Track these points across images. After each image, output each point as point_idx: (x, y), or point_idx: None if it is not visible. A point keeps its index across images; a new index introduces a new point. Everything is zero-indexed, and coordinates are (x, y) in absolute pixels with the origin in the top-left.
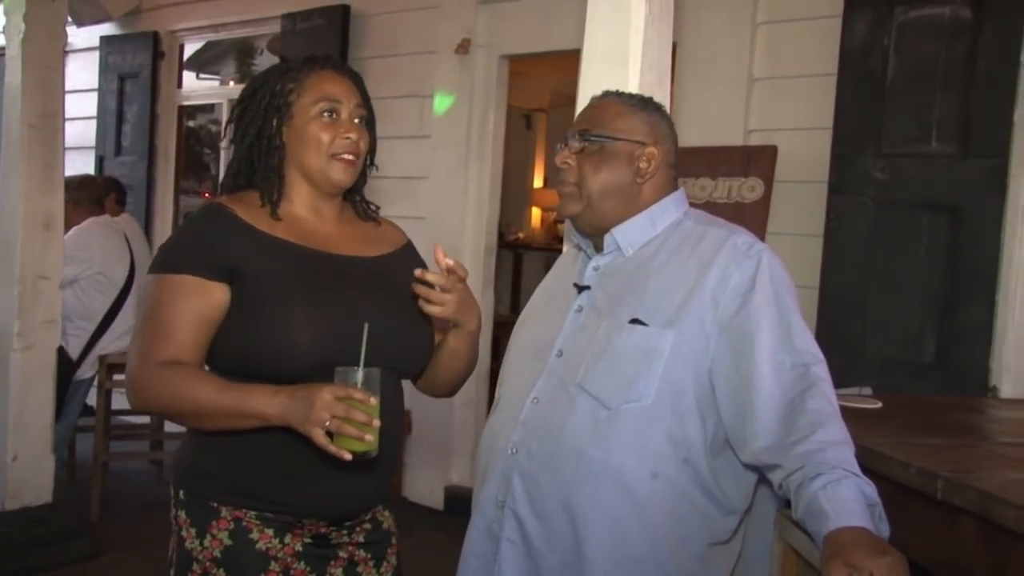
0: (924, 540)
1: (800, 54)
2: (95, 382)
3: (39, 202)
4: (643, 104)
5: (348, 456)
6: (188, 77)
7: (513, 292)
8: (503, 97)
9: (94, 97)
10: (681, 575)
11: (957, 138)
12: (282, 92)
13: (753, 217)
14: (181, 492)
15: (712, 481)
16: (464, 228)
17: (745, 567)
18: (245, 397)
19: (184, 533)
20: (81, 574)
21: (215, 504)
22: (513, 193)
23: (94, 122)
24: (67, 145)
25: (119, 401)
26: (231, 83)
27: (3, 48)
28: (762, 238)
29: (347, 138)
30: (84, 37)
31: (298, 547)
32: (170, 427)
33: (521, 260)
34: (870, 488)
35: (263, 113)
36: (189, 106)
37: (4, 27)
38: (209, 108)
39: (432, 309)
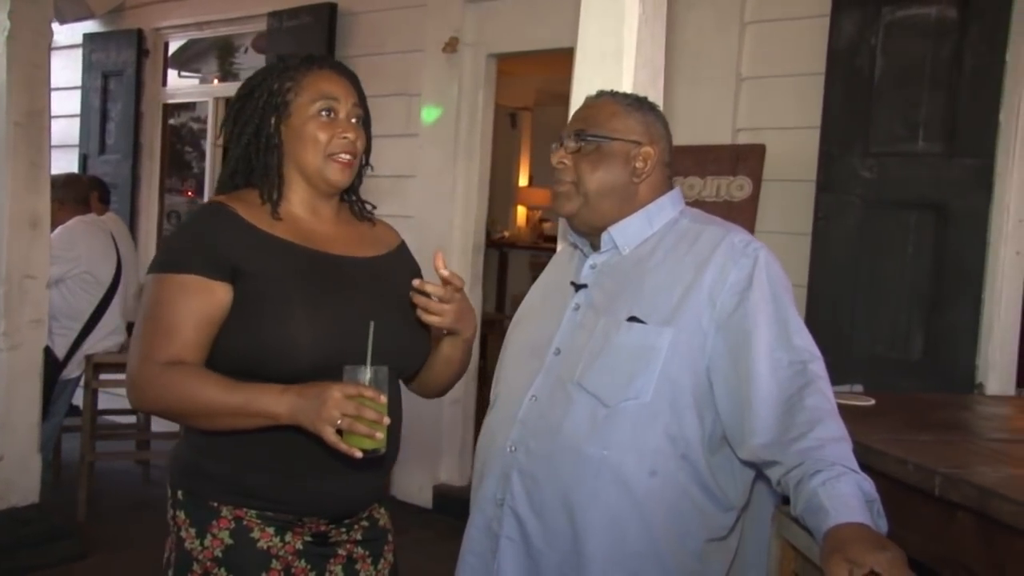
0: (921, 536)
1: (788, 53)
2: (81, 382)
3: (25, 201)
4: (638, 104)
5: (359, 454)
6: (172, 75)
7: (499, 291)
8: (491, 96)
9: (77, 95)
10: (680, 572)
11: (944, 137)
12: (280, 91)
13: (741, 216)
14: (179, 492)
15: (710, 478)
16: (452, 227)
17: (742, 564)
18: (252, 396)
19: (183, 533)
20: (68, 575)
21: (215, 504)
22: (498, 192)
23: (77, 120)
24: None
25: (105, 401)
26: (215, 81)
27: None
28: None
29: (344, 138)
30: (67, 34)
31: (298, 545)
32: (156, 427)
33: (507, 258)
34: (868, 484)
35: (261, 111)
36: (171, 104)
37: None
38: (191, 106)
39: (431, 319)
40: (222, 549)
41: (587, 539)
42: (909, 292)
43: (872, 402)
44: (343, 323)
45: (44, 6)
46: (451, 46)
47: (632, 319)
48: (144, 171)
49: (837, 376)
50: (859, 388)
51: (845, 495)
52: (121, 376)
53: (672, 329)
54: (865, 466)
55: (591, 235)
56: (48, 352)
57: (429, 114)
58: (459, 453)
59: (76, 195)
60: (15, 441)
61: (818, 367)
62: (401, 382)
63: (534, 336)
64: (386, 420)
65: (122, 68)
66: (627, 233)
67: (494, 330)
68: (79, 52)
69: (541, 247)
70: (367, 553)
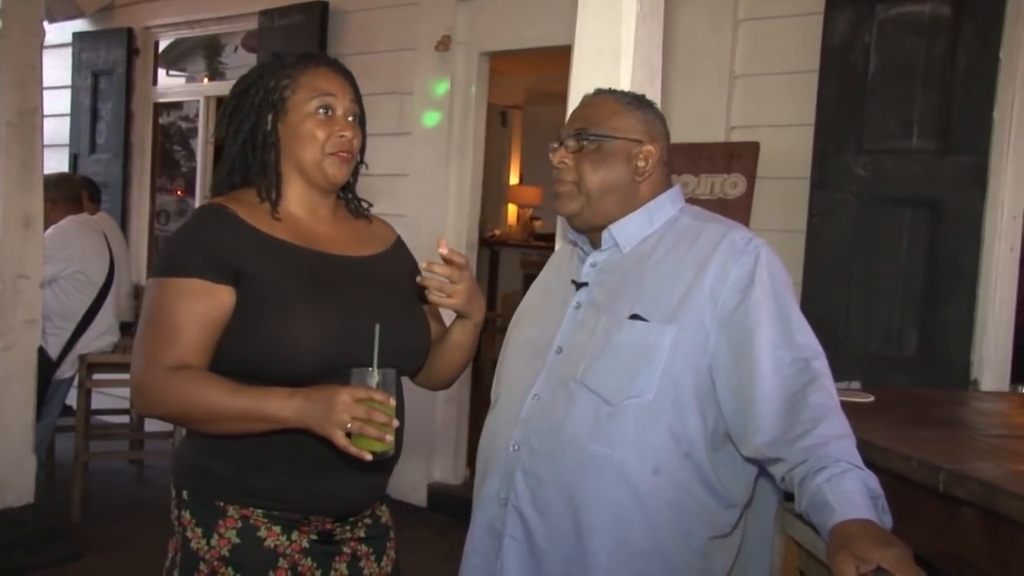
0: (924, 532)
1: (781, 51)
2: (75, 382)
3: (18, 201)
4: (638, 102)
5: (369, 457)
6: (162, 74)
7: (490, 289)
8: (483, 94)
9: (66, 94)
10: (683, 569)
11: (938, 134)
12: (276, 88)
13: (736, 213)
14: (184, 492)
15: (713, 475)
16: (445, 225)
17: (745, 560)
18: (259, 400)
19: (189, 533)
20: (63, 575)
21: (221, 503)
22: (489, 190)
23: (67, 119)
24: None
25: (98, 401)
26: (204, 80)
27: None
28: None
29: (342, 136)
30: (56, 33)
31: (304, 544)
32: (150, 426)
33: (498, 257)
34: (873, 480)
35: (257, 109)
36: (160, 103)
37: None
38: (179, 105)
39: (446, 302)
40: (229, 548)
41: (591, 537)
42: (903, 289)
43: (871, 399)
44: (346, 325)
45: (36, 5)
46: (444, 44)
47: (634, 317)
48: (135, 170)
49: (832, 373)
50: (857, 385)
51: (850, 491)
52: (115, 376)
53: (674, 327)
54: (868, 462)
55: (591, 233)
56: (42, 352)
57: (430, 118)
58: (453, 452)
59: (68, 194)
60: (9, 442)
61: (821, 364)
62: (407, 379)
63: (535, 335)
64: (395, 423)
65: (112, 67)
66: (628, 231)
67: (486, 328)
68: (68, 51)
69: (532, 245)
70: (370, 550)
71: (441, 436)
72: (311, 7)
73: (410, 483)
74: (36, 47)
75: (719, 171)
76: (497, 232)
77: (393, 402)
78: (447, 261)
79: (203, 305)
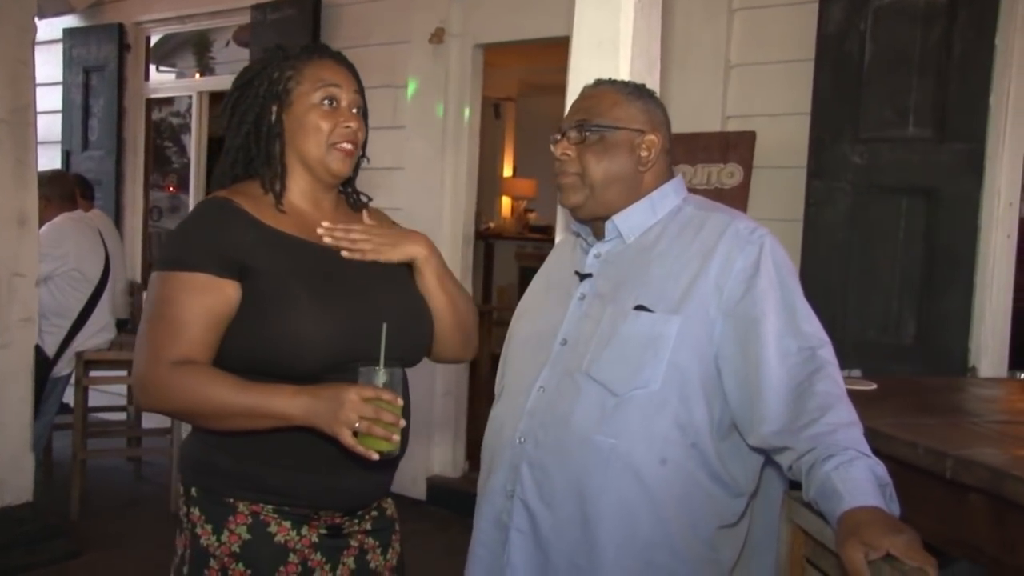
0: (931, 518)
1: (777, 40)
2: (72, 379)
3: (13, 198)
4: (638, 92)
5: (376, 456)
6: (152, 69)
7: (485, 282)
8: (478, 86)
9: (58, 91)
10: (691, 559)
11: (934, 122)
12: (281, 79)
13: (732, 203)
14: (193, 489)
15: (720, 465)
16: (441, 218)
17: (751, 550)
18: (266, 397)
19: (199, 530)
20: (63, 573)
21: (231, 500)
22: (483, 183)
23: (59, 116)
24: None
25: (95, 398)
26: (196, 75)
27: None
28: None
29: (347, 127)
30: (46, 30)
31: (314, 538)
32: (148, 424)
33: (492, 250)
34: (881, 468)
35: (262, 100)
36: (151, 99)
37: None
38: (170, 101)
39: (365, 256)
40: (240, 544)
41: (599, 528)
42: (901, 277)
43: (874, 386)
44: (351, 320)
45: (27, 1)
46: (438, 37)
47: (639, 308)
48: (128, 167)
49: None
50: (858, 373)
51: (858, 479)
52: (111, 373)
53: (679, 317)
54: (874, 450)
55: (594, 224)
56: (38, 350)
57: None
58: (452, 445)
59: (62, 192)
60: (7, 440)
61: (827, 352)
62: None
63: (539, 327)
64: (402, 423)
65: (103, 63)
66: (631, 222)
67: (482, 322)
68: (59, 47)
69: (527, 238)
70: (376, 543)
71: (440, 429)
72: (303, 0)
73: (409, 477)
74: (28, 43)
75: (716, 161)
76: (492, 225)
77: (401, 402)
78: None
79: (208, 300)
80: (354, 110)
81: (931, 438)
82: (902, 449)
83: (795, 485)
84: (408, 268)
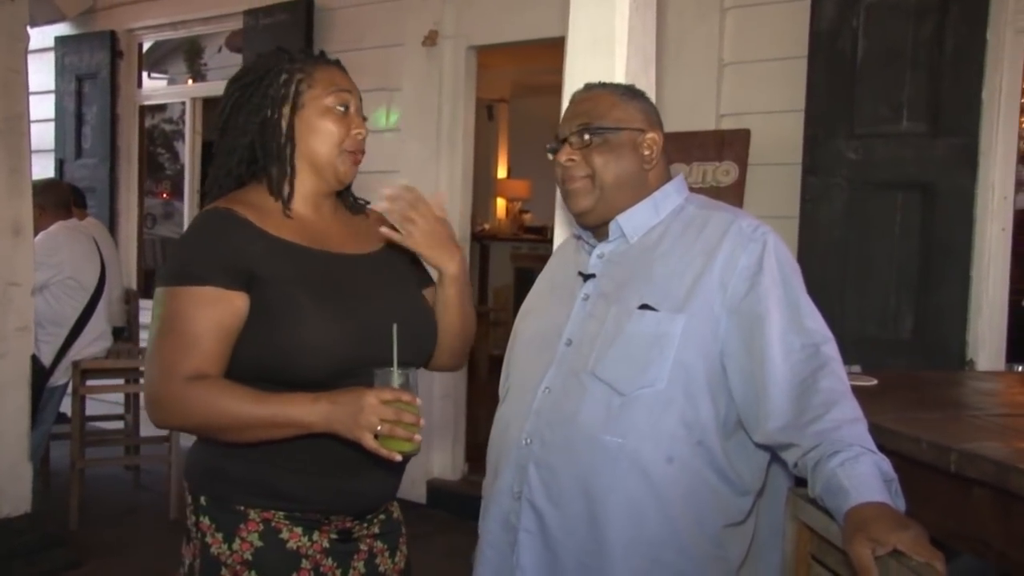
0: (937, 513)
1: (769, 37)
2: (69, 388)
3: (7, 207)
4: (632, 92)
5: (399, 458)
6: (144, 76)
7: (481, 283)
8: (472, 88)
9: (50, 99)
10: (698, 557)
11: (927, 117)
12: (291, 80)
13: (728, 201)
14: (202, 498)
15: (726, 462)
16: None
17: (758, 547)
18: (284, 407)
19: (209, 539)
20: None
21: (241, 507)
22: (477, 185)
23: (51, 125)
24: None
25: (93, 407)
26: (189, 81)
27: None
28: None
29: (359, 134)
30: (38, 38)
31: (325, 544)
32: (145, 432)
33: (488, 251)
34: (886, 464)
35: (270, 101)
36: (144, 106)
37: None
38: (162, 108)
39: (407, 240)
40: (252, 552)
41: (607, 527)
42: (898, 272)
43: (874, 382)
44: (360, 324)
45: (20, 9)
46: (431, 39)
47: (644, 307)
48: (122, 174)
49: None
50: (858, 369)
51: (864, 475)
52: (108, 381)
53: (684, 316)
54: (877, 446)
55: (597, 225)
56: (34, 360)
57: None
58: (451, 447)
59: (57, 200)
60: (5, 451)
61: (831, 349)
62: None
63: (543, 328)
64: (423, 422)
65: (96, 71)
66: (634, 222)
67: (479, 323)
68: (51, 56)
69: (522, 239)
70: (385, 546)
71: (439, 432)
72: (296, 5)
73: (409, 479)
74: (20, 52)
75: (711, 159)
76: (487, 226)
77: (419, 401)
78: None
79: (218, 312)
80: (361, 117)
81: (934, 432)
82: (905, 444)
83: (799, 482)
84: (415, 271)
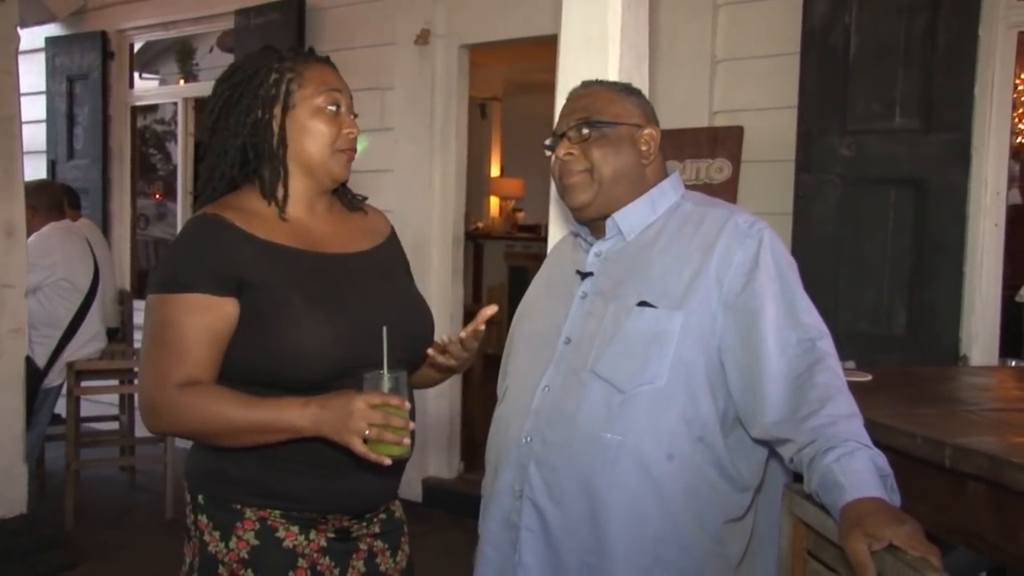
0: (931, 507)
1: (762, 34)
2: (63, 390)
3: (0, 209)
4: (628, 89)
5: (388, 461)
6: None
7: (475, 282)
8: (464, 87)
9: (42, 100)
10: (699, 554)
11: (920, 113)
12: (281, 80)
13: (722, 198)
14: (200, 497)
15: (726, 458)
16: (431, 220)
17: (757, 544)
18: (274, 412)
19: (207, 537)
20: None
21: (238, 506)
22: (471, 183)
23: (43, 126)
24: None
25: (88, 408)
26: (180, 82)
27: None
28: None
29: (350, 134)
30: (29, 39)
31: (322, 543)
32: (140, 432)
33: (482, 250)
34: (882, 459)
35: (261, 101)
36: (136, 106)
37: None
38: (153, 108)
39: (450, 363)
40: (248, 551)
41: (609, 524)
42: (891, 268)
43: (869, 377)
44: (353, 325)
45: (11, 10)
46: (423, 38)
47: (642, 304)
48: (114, 175)
49: None
50: (851, 364)
51: (860, 470)
52: (103, 382)
53: (683, 313)
54: (872, 441)
55: (594, 223)
56: (29, 361)
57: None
58: (447, 446)
59: (49, 201)
60: (0, 453)
61: (826, 344)
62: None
63: (541, 327)
64: (412, 426)
65: (87, 71)
66: (631, 219)
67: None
68: (41, 56)
69: (515, 237)
70: (385, 546)
71: (434, 431)
72: (287, 5)
73: (405, 479)
74: (11, 53)
75: (704, 156)
76: (480, 225)
77: (408, 405)
78: (463, 342)
79: (208, 319)
80: (352, 116)
81: (929, 427)
82: (900, 439)
83: (796, 478)
84: (407, 270)
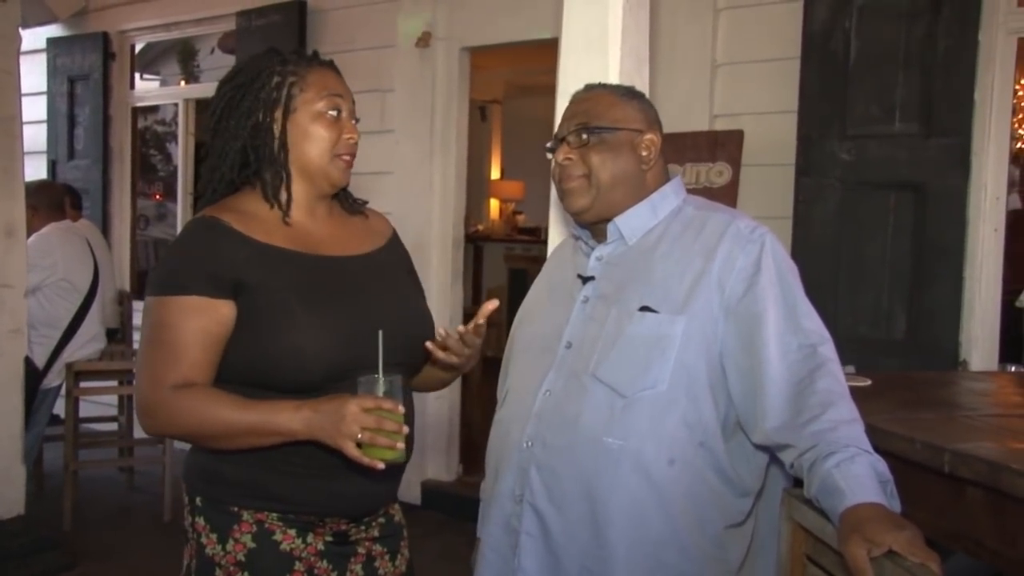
0: (930, 513)
1: (762, 38)
2: (62, 390)
3: (0, 209)
4: (631, 93)
5: (381, 466)
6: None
7: (475, 284)
8: (465, 89)
9: (42, 100)
10: (699, 558)
11: (920, 118)
12: (283, 83)
13: (722, 202)
14: (198, 499)
15: (727, 463)
16: (431, 222)
17: (757, 549)
18: (268, 415)
19: (204, 539)
20: None
21: (235, 508)
22: (471, 185)
23: (44, 126)
24: None
25: (86, 409)
26: (181, 83)
27: None
28: None
29: (351, 139)
30: (30, 39)
31: (320, 546)
32: (139, 433)
33: (481, 252)
34: (882, 465)
35: (262, 104)
36: (136, 107)
37: None
38: (154, 109)
39: (452, 360)
40: (245, 553)
41: (609, 529)
42: (891, 272)
43: (869, 382)
44: (351, 328)
45: (12, 10)
46: (424, 41)
47: (644, 309)
48: (115, 175)
49: None
50: (851, 369)
51: (860, 476)
52: (102, 383)
53: (684, 318)
54: (872, 446)
55: (595, 227)
56: (28, 361)
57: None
58: (446, 449)
59: (50, 201)
60: None
61: (828, 349)
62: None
63: (542, 331)
64: (405, 429)
65: (88, 72)
66: (632, 223)
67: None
68: (43, 57)
69: (515, 239)
70: (385, 550)
71: (433, 433)
72: (289, 6)
73: (403, 481)
74: (13, 53)
75: (704, 160)
76: (480, 227)
77: (402, 409)
78: (464, 338)
79: (204, 321)
80: (353, 121)
81: (928, 433)
82: (899, 444)
83: (796, 483)
84: (408, 273)
